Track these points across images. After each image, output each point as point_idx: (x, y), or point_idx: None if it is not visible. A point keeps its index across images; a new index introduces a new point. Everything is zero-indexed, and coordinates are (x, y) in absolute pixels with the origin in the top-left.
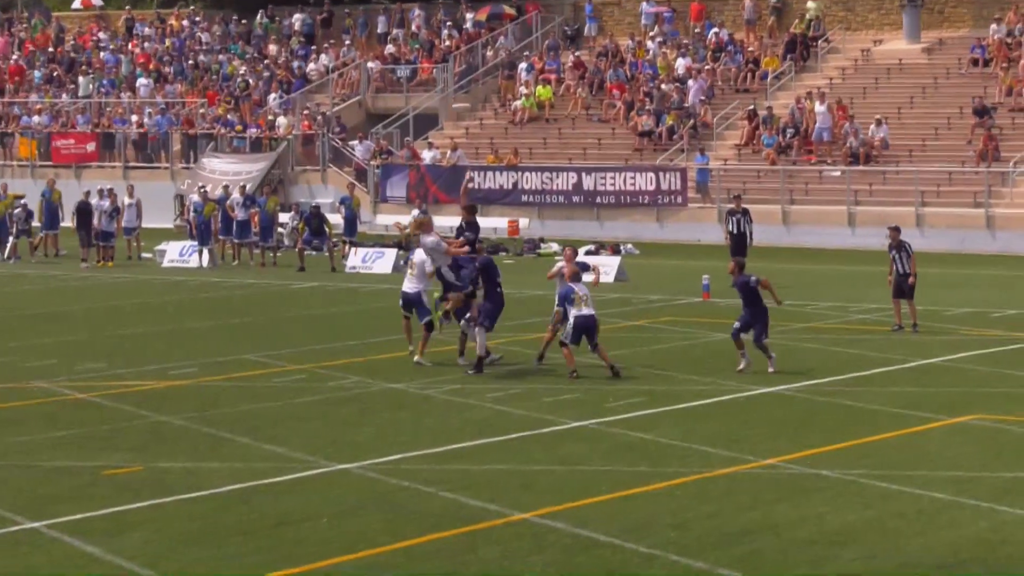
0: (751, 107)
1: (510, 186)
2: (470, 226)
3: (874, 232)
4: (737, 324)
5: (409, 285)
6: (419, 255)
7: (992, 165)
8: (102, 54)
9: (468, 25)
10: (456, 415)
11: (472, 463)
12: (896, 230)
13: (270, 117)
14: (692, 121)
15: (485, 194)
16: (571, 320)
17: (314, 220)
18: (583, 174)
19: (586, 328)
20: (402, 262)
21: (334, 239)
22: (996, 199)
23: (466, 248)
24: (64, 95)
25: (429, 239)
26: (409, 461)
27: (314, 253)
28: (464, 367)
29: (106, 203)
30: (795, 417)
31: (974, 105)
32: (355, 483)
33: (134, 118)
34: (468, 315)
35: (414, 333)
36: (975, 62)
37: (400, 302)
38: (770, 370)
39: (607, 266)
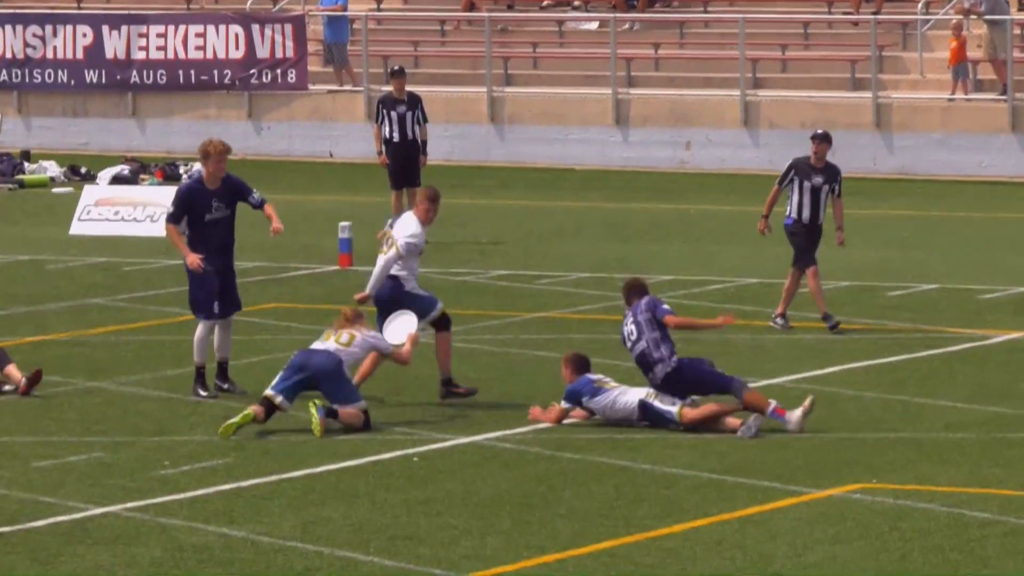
0: None
1: None
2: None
3: (666, 136)
4: None
5: None
6: None
7: (883, 9)
8: None
9: None
10: None
11: None
12: (826, 141)
13: None
14: None
15: None
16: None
17: None
18: (104, 28)
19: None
20: None
21: None
22: (892, 73)
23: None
24: None
25: None
26: None
27: None
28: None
29: None
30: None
31: None
32: None
33: None
34: None
35: None
36: None
37: None
38: None
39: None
